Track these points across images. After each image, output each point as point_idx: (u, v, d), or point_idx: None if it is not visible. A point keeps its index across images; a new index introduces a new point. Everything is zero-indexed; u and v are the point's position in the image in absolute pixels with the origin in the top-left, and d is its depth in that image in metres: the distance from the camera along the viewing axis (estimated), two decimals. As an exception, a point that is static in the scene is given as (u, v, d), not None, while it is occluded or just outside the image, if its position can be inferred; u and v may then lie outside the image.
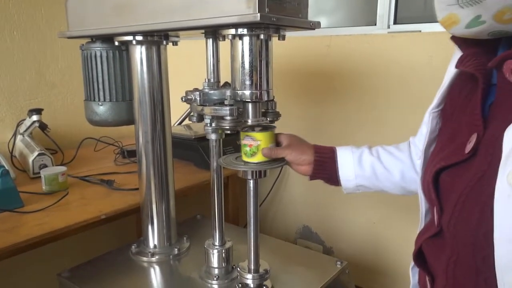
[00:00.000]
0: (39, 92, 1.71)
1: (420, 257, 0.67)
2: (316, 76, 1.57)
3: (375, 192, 1.46)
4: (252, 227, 0.83)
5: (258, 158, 0.81)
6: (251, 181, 0.82)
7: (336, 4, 1.67)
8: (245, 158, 0.82)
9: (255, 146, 0.81)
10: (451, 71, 0.63)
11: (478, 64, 0.54)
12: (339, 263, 0.97)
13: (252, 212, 0.83)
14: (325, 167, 0.84)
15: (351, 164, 0.83)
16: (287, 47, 1.56)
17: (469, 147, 0.52)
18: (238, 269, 0.87)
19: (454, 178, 0.55)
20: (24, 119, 1.53)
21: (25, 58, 1.65)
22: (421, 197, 0.67)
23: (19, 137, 1.54)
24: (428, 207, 0.66)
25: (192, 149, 1.48)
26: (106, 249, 1.08)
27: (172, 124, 1.18)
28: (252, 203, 0.83)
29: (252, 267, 0.85)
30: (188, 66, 1.85)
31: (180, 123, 1.78)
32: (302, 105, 1.62)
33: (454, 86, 0.63)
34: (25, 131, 1.52)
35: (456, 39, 0.60)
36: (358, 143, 1.50)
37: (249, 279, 0.85)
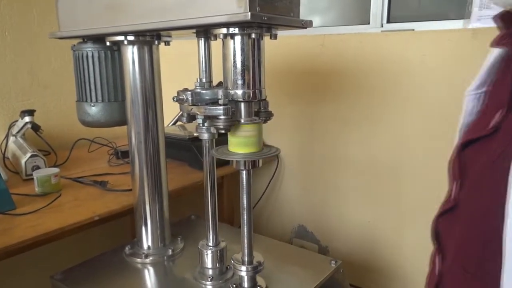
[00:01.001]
0: (32, 93, 1.70)
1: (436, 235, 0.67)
2: (310, 75, 1.56)
3: (370, 191, 1.47)
4: (245, 219, 0.83)
5: (244, 149, 0.81)
6: (244, 172, 0.82)
7: (329, 3, 1.67)
8: (230, 149, 0.82)
9: None
10: (492, 53, 0.63)
11: None
12: (333, 262, 0.97)
13: (245, 204, 0.83)
14: None
15: None
16: (280, 46, 1.55)
17: (493, 122, 0.53)
18: (232, 261, 0.87)
19: (477, 153, 0.56)
20: (17, 121, 1.52)
21: (17, 58, 1.64)
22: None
23: (11, 138, 1.53)
24: (450, 184, 0.66)
25: (186, 149, 1.47)
26: (101, 250, 1.07)
27: (165, 125, 1.18)
28: (245, 195, 0.83)
29: (246, 259, 0.85)
30: (182, 66, 1.85)
31: (174, 123, 1.77)
32: (296, 104, 1.62)
33: (493, 68, 0.63)
34: (17, 132, 1.50)
35: (497, 18, 0.58)
36: (353, 143, 1.52)
37: (243, 271, 0.84)
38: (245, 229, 0.83)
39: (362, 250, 1.54)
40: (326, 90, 1.54)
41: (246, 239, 0.83)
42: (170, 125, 1.75)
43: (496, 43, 0.57)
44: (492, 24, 1.27)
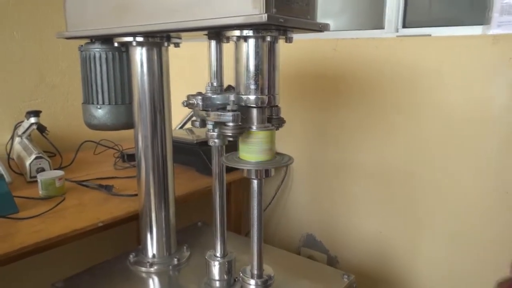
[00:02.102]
0: (39, 93, 1.68)
1: None
2: (322, 81, 1.53)
3: (382, 200, 1.42)
4: (255, 231, 0.79)
5: (256, 157, 0.77)
6: (255, 181, 0.78)
7: (342, 7, 1.63)
8: (241, 157, 0.78)
9: None
10: None
11: None
12: (346, 277, 0.93)
13: (256, 215, 0.79)
14: None
15: None
16: (291, 50, 1.52)
17: None
18: (241, 274, 0.83)
19: None
20: (22, 121, 1.50)
21: (25, 58, 1.62)
22: None
23: (17, 139, 1.51)
24: None
25: (193, 154, 1.44)
26: (105, 256, 1.04)
27: (173, 128, 1.15)
28: (256, 205, 0.79)
29: (256, 272, 0.81)
30: (192, 69, 1.82)
31: (181, 127, 1.74)
32: (308, 110, 1.58)
33: None
34: (23, 133, 1.48)
35: None
36: (366, 150, 1.48)
37: (252, 285, 0.81)
38: (255, 241, 0.79)
39: (374, 261, 1.49)
40: (337, 95, 1.50)
41: (256, 251, 0.79)
42: (177, 128, 1.72)
43: None
44: (513, 31, 1.21)
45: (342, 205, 1.54)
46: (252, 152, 0.77)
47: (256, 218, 0.79)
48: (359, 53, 1.43)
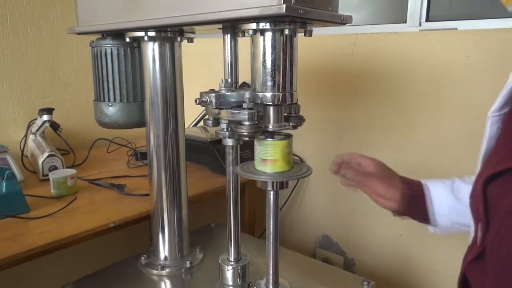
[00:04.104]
0: (52, 90, 1.67)
1: (465, 285, 0.58)
2: (340, 77, 1.47)
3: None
4: (271, 244, 0.75)
5: (272, 167, 0.72)
6: (271, 193, 0.74)
7: (362, 0, 1.57)
8: (257, 167, 0.74)
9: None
10: None
11: None
12: (366, 283, 0.88)
13: (272, 227, 0.75)
14: (415, 202, 0.74)
15: (443, 195, 0.73)
16: (308, 45, 1.47)
17: None
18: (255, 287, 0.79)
19: (503, 188, 0.47)
20: (36, 118, 1.49)
21: (39, 55, 1.61)
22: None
23: (31, 137, 1.50)
24: (474, 223, 0.57)
25: (207, 153, 1.40)
26: (117, 257, 1.02)
27: (186, 126, 1.11)
28: (272, 217, 0.75)
29: (271, 287, 0.77)
30: (206, 65, 1.78)
31: (195, 125, 1.71)
32: (324, 107, 1.53)
33: None
34: (36, 130, 1.47)
35: None
36: (384, 150, 1.42)
37: None
38: (271, 254, 0.75)
39: (392, 265, 1.44)
40: (356, 93, 1.44)
41: (271, 265, 0.75)
42: (191, 126, 1.69)
43: None
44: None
45: (359, 206, 1.48)
46: (267, 162, 0.72)
47: (272, 230, 0.74)
48: (380, 49, 1.37)
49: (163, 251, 0.96)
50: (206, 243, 1.07)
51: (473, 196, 0.55)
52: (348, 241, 1.54)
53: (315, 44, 1.48)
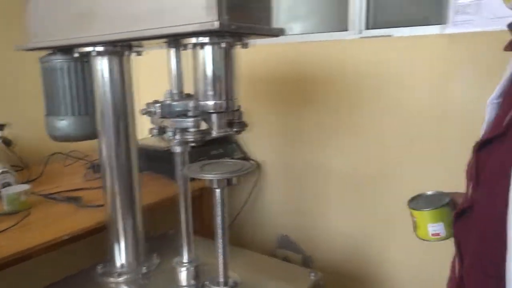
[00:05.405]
0: (5, 105, 1.64)
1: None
2: (291, 83, 1.55)
3: (355, 200, 1.45)
4: (220, 239, 0.80)
5: (419, 233, 0.78)
6: (218, 190, 0.79)
7: (309, 10, 1.66)
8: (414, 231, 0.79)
9: (414, 221, 0.79)
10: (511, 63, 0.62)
11: None
12: (313, 274, 0.94)
13: (219, 223, 0.80)
14: None
15: None
16: (260, 54, 1.53)
17: (505, 121, 0.53)
18: (207, 282, 0.83)
19: (490, 153, 0.56)
20: (-13, 135, 1.47)
21: (-11, 71, 1.58)
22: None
23: (-18, 154, 1.47)
24: (467, 186, 0.65)
25: (164, 161, 1.43)
26: (78, 269, 1.02)
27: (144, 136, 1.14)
28: (219, 214, 0.80)
29: (221, 280, 0.82)
30: (158, 76, 1.81)
31: (153, 134, 1.73)
32: (277, 113, 1.60)
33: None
34: (-12, 147, 1.45)
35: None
36: (336, 150, 1.50)
37: None
38: (220, 249, 0.80)
39: (347, 260, 1.52)
40: (307, 98, 1.52)
41: (221, 259, 0.80)
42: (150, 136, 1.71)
43: (509, 47, 0.59)
44: (468, 29, 1.26)
45: (315, 205, 1.56)
46: None
47: (220, 226, 0.79)
48: (325, 56, 1.45)
49: (120, 258, 0.98)
50: (163, 249, 1.10)
51: (468, 163, 0.63)
52: (306, 239, 1.61)
53: (267, 52, 1.54)
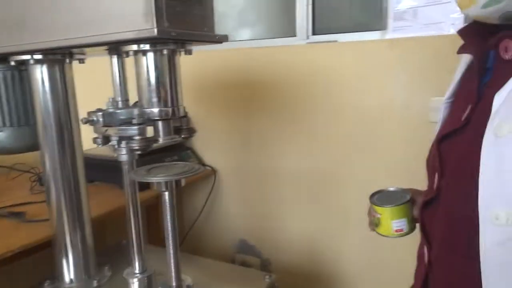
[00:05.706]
0: None
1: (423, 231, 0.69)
2: (242, 89, 1.56)
3: (310, 202, 1.48)
4: (171, 244, 0.79)
5: (381, 230, 0.77)
6: (166, 193, 0.78)
7: (258, 17, 1.69)
8: (375, 228, 0.79)
9: (376, 218, 0.77)
10: (461, 65, 0.66)
11: (477, 48, 0.59)
12: (267, 277, 0.95)
13: (170, 227, 0.79)
14: None
15: None
16: (210, 60, 1.54)
17: (464, 115, 0.57)
18: (160, 287, 0.82)
19: (452, 145, 0.61)
20: None
21: None
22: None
23: None
24: (430, 178, 0.68)
25: (114, 170, 1.39)
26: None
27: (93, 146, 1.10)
28: (169, 218, 0.79)
29: (173, 284, 0.81)
30: (101, 84, 1.77)
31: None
32: (229, 118, 1.60)
33: (462, 77, 0.67)
34: None
35: (462, 31, 0.63)
36: (290, 154, 1.53)
37: None
38: (171, 253, 0.79)
39: (305, 261, 1.55)
40: (259, 102, 1.54)
41: (172, 263, 0.80)
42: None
43: (462, 50, 0.63)
44: (405, 35, 1.34)
45: (272, 208, 1.58)
46: None
47: (170, 230, 0.79)
48: (274, 61, 1.48)
49: (68, 274, 0.95)
50: (115, 260, 1.07)
51: (429, 156, 0.67)
52: (263, 242, 1.63)
53: (216, 59, 1.55)
